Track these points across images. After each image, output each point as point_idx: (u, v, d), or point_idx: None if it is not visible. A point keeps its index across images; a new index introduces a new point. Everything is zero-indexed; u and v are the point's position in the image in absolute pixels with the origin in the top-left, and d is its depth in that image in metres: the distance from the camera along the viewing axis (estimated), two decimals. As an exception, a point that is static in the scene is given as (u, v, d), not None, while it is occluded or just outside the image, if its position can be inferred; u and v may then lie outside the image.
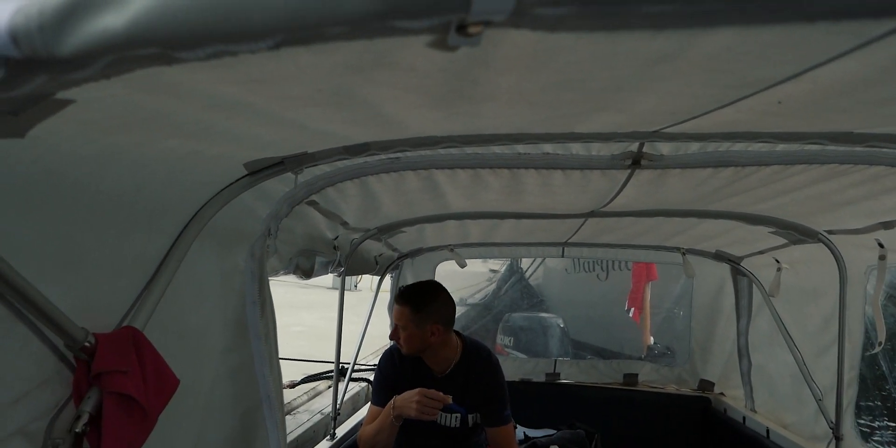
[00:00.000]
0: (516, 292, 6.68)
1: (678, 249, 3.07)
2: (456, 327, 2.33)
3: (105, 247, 0.95)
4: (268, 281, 1.49)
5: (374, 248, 2.67)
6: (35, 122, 0.61)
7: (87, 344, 0.90)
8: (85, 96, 0.56)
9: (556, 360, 3.84)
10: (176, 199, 1.10)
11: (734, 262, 3.11)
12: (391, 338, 2.32)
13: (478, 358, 2.33)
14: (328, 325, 7.61)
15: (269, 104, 0.72)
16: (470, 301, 6.67)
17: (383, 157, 1.37)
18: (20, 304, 0.78)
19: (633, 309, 5.23)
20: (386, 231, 2.34)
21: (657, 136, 1.10)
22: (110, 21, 0.34)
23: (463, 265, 3.19)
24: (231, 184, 1.20)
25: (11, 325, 0.79)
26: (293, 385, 5.17)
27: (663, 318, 5.36)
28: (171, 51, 0.39)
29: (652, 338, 5.08)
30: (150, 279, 1.08)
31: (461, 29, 0.41)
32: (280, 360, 1.60)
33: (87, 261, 0.92)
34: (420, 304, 2.16)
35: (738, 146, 1.34)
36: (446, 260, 3.47)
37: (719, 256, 3.12)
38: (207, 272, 1.30)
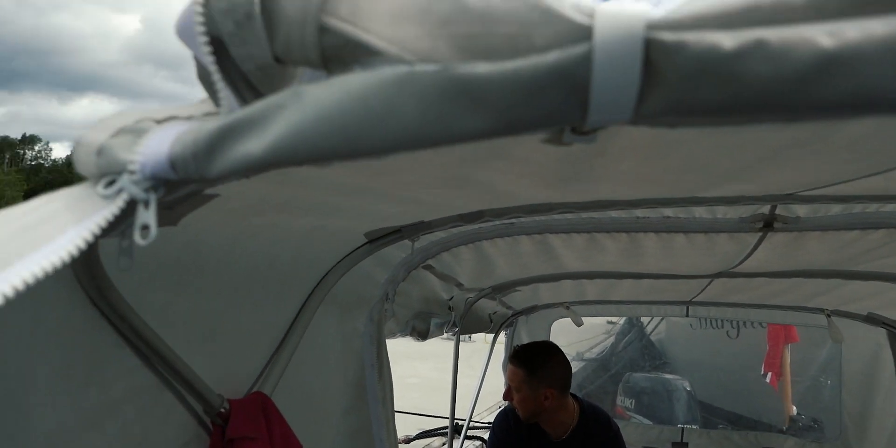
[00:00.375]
0: (636, 349, 6.31)
1: (822, 311, 2.78)
2: (572, 383, 2.24)
3: (240, 317, 1.02)
4: (385, 344, 1.53)
5: (488, 306, 2.66)
6: (186, 213, 0.69)
7: (222, 410, 0.96)
8: (227, 191, 0.62)
9: (683, 428, 3.55)
10: (302, 270, 1.17)
11: (891, 327, 2.75)
12: (504, 398, 2.28)
13: (596, 423, 2.22)
14: (442, 377, 7.58)
15: (389, 188, 0.76)
16: (587, 355, 6.39)
17: (497, 222, 1.38)
18: (168, 373, 0.85)
19: (770, 373, 4.74)
20: (500, 290, 2.33)
21: (792, 198, 1.03)
22: (251, 147, 0.38)
23: (579, 324, 3.09)
24: (352, 252, 1.26)
25: (160, 392, 0.86)
26: (408, 440, 5.15)
27: (807, 386, 4.80)
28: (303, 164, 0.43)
29: (794, 407, 4.56)
30: (278, 345, 1.15)
31: (576, 129, 0.41)
32: (395, 413, 1.62)
33: (225, 331, 0.99)
34: (534, 366, 2.11)
35: (890, 207, 1.21)
36: (562, 317, 3.38)
37: (872, 320, 2.78)
38: (329, 336, 1.35)
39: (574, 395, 2.29)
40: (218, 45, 0.40)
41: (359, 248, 1.27)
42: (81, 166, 0.43)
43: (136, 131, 0.42)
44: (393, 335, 1.64)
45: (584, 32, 0.32)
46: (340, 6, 0.37)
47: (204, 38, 0.39)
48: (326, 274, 1.24)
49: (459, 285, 1.92)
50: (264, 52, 0.39)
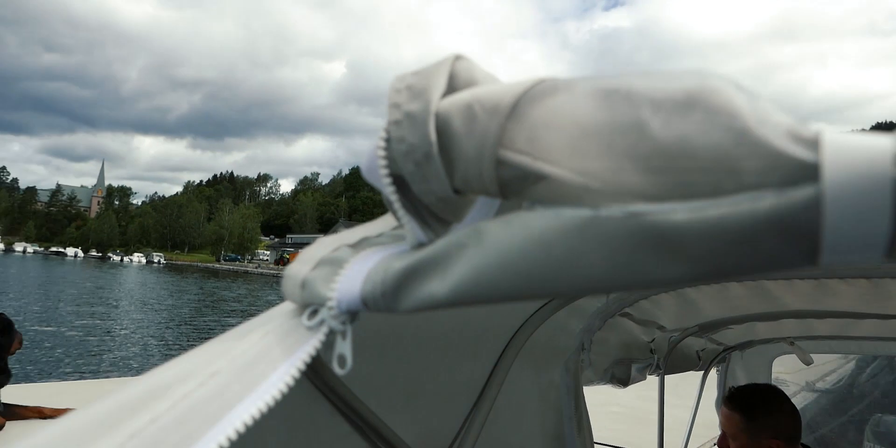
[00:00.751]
0: (888, 384, 5.30)
1: None
2: (803, 420, 1.96)
3: (438, 378, 1.05)
4: (583, 395, 1.47)
5: (695, 343, 2.44)
6: None
7: (424, 470, 0.99)
8: None
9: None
10: (495, 326, 1.17)
11: None
12: (719, 445, 2.06)
13: None
14: (645, 406, 7.13)
15: None
16: (818, 386, 5.52)
17: (702, 271, 1.26)
18: (376, 438, 0.90)
19: None
20: (708, 329, 2.13)
21: None
22: (435, 288, 0.38)
23: (808, 362, 2.69)
24: (544, 305, 1.24)
25: None
26: (613, 475, 4.90)
27: None
28: None
29: None
30: (475, 402, 1.16)
31: None
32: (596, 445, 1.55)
33: (424, 392, 1.02)
34: (754, 412, 1.88)
35: None
36: (785, 353, 2.98)
37: None
38: (525, 389, 1.33)
39: (807, 447, 2.00)
40: (400, 182, 0.41)
41: (551, 300, 1.24)
42: (289, 296, 0.47)
43: (333, 262, 0.45)
44: (591, 384, 1.57)
45: (808, 171, 0.27)
46: (517, 139, 0.36)
47: (388, 179, 0.40)
48: (519, 328, 1.23)
49: (661, 328, 1.79)
50: (444, 187, 0.39)
